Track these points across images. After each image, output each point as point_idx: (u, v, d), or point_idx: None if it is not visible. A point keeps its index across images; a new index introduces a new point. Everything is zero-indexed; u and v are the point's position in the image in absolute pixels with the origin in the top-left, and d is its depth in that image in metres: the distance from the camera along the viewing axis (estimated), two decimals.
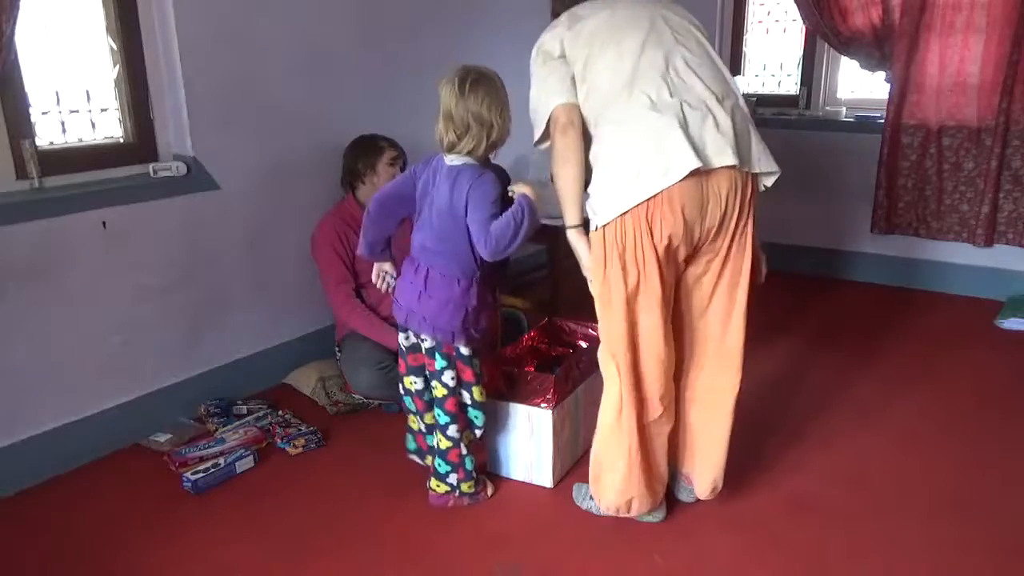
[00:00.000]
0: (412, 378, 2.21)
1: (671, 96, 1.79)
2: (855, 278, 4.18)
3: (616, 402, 1.93)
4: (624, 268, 1.81)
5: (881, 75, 3.81)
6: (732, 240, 1.87)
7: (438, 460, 2.20)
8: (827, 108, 4.17)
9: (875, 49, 3.74)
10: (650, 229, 1.77)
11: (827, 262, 4.25)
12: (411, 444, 2.38)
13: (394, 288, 2.23)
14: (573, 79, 1.91)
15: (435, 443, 2.21)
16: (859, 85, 4.10)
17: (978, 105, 3.58)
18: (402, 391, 2.26)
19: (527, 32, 3.85)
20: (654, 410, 1.95)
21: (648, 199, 1.74)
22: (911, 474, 2.36)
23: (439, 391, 2.14)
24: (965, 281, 3.89)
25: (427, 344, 2.12)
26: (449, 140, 1.99)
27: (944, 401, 2.81)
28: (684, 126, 1.75)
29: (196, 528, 2.13)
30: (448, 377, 2.11)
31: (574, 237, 1.94)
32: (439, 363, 2.11)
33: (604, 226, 1.81)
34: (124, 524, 2.16)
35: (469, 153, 1.99)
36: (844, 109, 4.10)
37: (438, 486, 2.22)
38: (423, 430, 2.29)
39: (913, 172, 3.81)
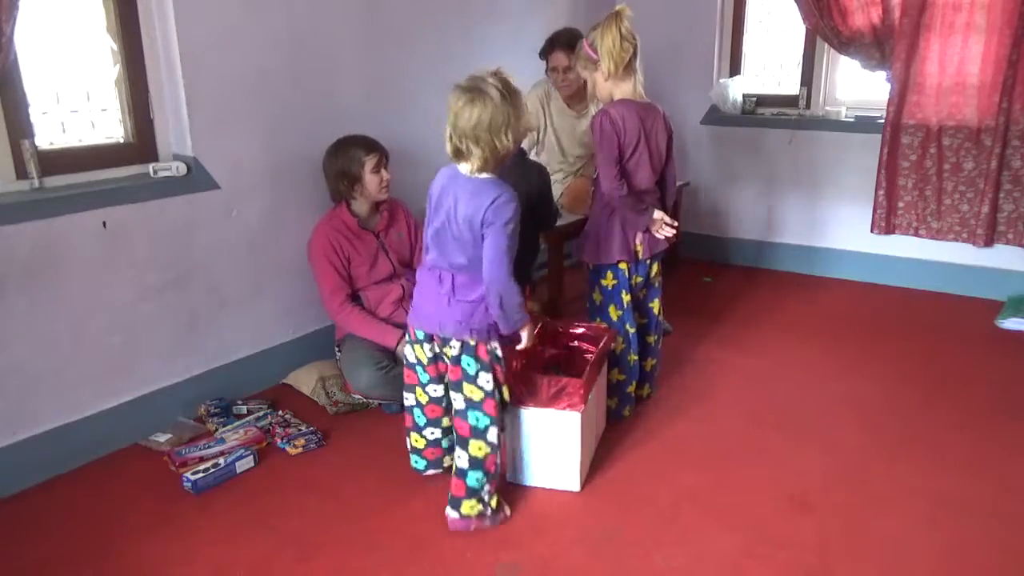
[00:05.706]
0: (433, 386, 2.16)
1: None
2: (855, 278, 4.18)
3: None
4: None
5: (881, 75, 3.80)
6: None
7: (471, 475, 2.07)
8: (827, 108, 4.16)
9: (875, 49, 3.74)
10: None
11: (827, 262, 4.25)
12: (420, 463, 2.30)
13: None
14: None
15: (465, 457, 2.08)
16: (859, 85, 4.10)
17: (978, 105, 3.58)
18: (412, 403, 2.21)
19: (527, 31, 3.87)
20: None
21: None
22: (911, 474, 2.36)
23: (475, 394, 2.05)
24: (965, 281, 3.89)
25: (453, 352, 2.04)
26: (453, 149, 1.97)
27: (944, 401, 2.81)
28: None
29: (196, 528, 2.14)
30: (484, 380, 2.04)
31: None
32: (471, 367, 2.03)
33: None
34: (124, 524, 2.16)
35: (479, 169, 1.96)
36: (844, 109, 4.09)
37: (472, 508, 2.08)
38: (429, 442, 2.25)
39: (913, 172, 3.81)
